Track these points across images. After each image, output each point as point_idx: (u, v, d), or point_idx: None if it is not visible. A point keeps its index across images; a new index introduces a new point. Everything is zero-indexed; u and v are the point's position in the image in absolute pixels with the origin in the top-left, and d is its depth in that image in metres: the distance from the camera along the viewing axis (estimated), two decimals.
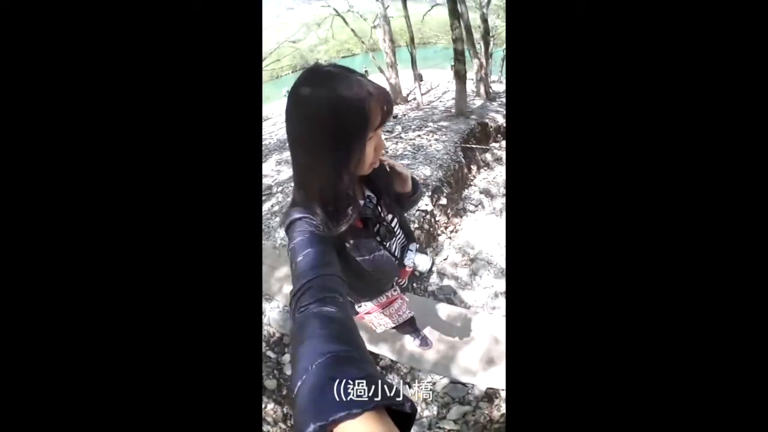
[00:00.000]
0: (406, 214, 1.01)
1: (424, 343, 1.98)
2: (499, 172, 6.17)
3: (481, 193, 5.46)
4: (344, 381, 0.34)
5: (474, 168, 5.72)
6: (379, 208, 0.82)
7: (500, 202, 5.30)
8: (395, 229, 0.90)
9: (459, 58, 5.81)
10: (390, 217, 0.87)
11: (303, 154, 0.61)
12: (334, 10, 8.31)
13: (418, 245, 0.98)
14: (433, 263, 0.96)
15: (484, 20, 8.15)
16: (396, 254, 0.91)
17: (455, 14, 5.59)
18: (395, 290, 1.09)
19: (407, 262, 0.95)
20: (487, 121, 6.86)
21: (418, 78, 11.93)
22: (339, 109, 0.53)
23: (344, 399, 0.32)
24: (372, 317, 1.13)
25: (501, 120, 7.12)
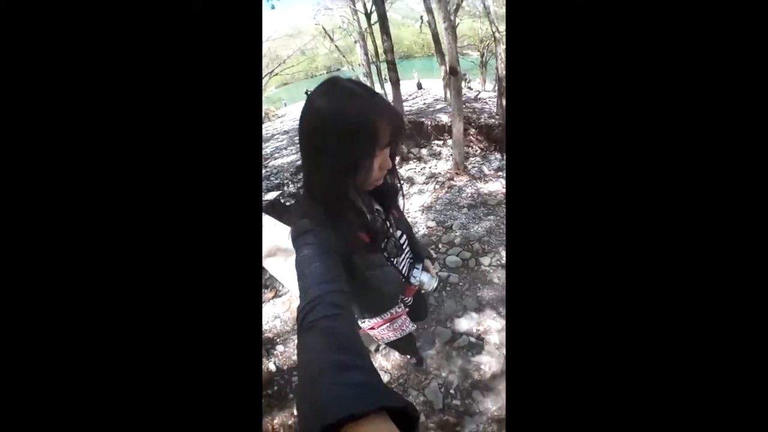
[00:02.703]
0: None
1: (420, 363, 1.93)
2: (433, 165, 7.00)
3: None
4: (347, 385, 0.35)
5: (398, 158, 6.72)
6: (388, 223, 0.82)
7: (417, 188, 6.26)
8: (404, 246, 0.90)
9: (391, 67, 6.89)
10: (399, 233, 0.87)
11: (312, 165, 0.61)
12: (323, 28, 9.69)
13: (423, 264, 1.00)
14: (439, 283, 0.98)
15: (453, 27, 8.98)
16: (404, 272, 0.91)
17: (385, 30, 6.69)
18: (399, 307, 1.07)
19: (413, 280, 0.95)
20: (423, 119, 7.79)
21: (418, 86, 13.00)
22: (348, 127, 0.55)
23: (347, 402, 0.33)
24: (375, 332, 1.12)
25: (446, 119, 7.98)
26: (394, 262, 0.86)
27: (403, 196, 0.87)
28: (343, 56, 10.15)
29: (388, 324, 1.09)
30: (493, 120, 7.84)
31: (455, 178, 4.79)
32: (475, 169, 5.46)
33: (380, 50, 7.75)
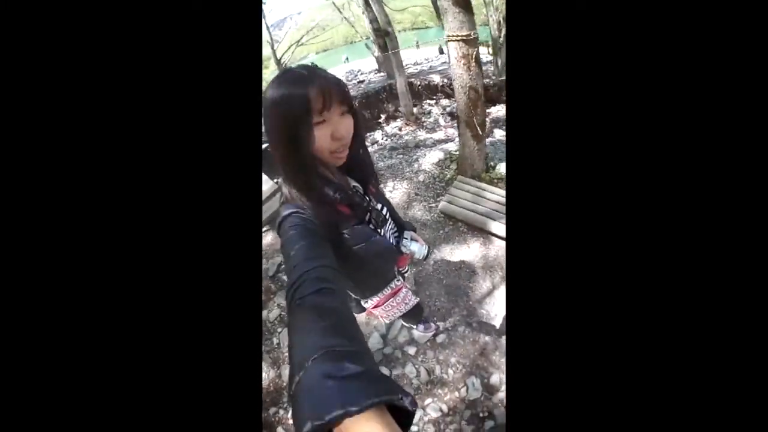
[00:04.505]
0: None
1: (428, 327, 1.96)
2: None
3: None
4: (341, 378, 0.33)
5: (383, 116, 7.41)
6: (367, 197, 0.84)
7: None
8: (386, 217, 0.92)
9: (377, 34, 7.50)
10: (380, 206, 0.89)
11: (273, 150, 0.64)
12: (333, 3, 10.27)
13: (411, 234, 1.03)
14: (429, 251, 1.00)
15: None
16: (392, 242, 0.93)
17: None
18: (398, 280, 1.09)
19: (404, 249, 0.99)
20: (413, 80, 8.31)
21: (440, 51, 13.14)
22: (281, 102, 0.58)
23: (342, 397, 0.31)
24: (380, 310, 1.12)
25: (437, 79, 8.38)
26: (381, 232, 0.86)
27: (377, 177, 0.88)
28: (353, 27, 10.76)
29: (391, 299, 1.10)
30: (487, 80, 8.04)
31: (403, 128, 5.46)
32: (432, 119, 6.00)
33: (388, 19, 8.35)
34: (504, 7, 8.11)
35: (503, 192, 2.96)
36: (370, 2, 4.85)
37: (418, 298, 1.24)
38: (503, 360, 1.85)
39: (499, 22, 8.20)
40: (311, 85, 0.59)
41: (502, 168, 3.39)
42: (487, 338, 1.98)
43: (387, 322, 1.26)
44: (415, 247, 1.01)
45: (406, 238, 1.02)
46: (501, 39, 8.36)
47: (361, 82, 9.19)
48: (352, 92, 8.04)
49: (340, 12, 10.33)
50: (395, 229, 1.01)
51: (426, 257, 1.02)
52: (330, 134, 0.64)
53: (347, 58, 16.33)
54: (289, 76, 0.61)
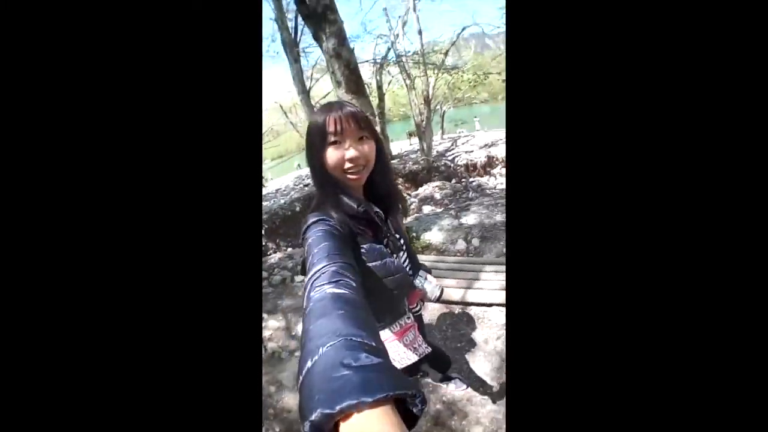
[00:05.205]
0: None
1: (459, 386, 1.81)
2: None
3: None
4: (357, 368, 0.33)
5: None
6: (388, 224, 0.87)
7: None
8: (403, 247, 0.95)
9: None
10: (398, 236, 0.93)
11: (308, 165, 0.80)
12: (280, 106, 11.44)
13: (427, 274, 1.05)
14: (442, 292, 1.02)
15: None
16: (406, 268, 0.94)
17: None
18: (409, 318, 1.05)
19: (418, 283, 1.01)
20: None
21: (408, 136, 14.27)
22: (310, 125, 0.75)
23: (357, 386, 0.30)
24: (388, 348, 0.99)
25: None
26: (395, 258, 0.89)
27: (405, 209, 1.06)
28: (298, 132, 11.46)
29: (400, 338, 1.05)
30: (417, 165, 8.73)
31: None
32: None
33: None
34: (430, 88, 9.20)
35: (427, 257, 3.14)
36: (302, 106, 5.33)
37: (430, 348, 1.13)
38: None
39: (420, 107, 9.21)
40: (329, 113, 0.71)
41: (427, 237, 3.63)
42: (421, 422, 1.67)
43: (399, 367, 1.10)
44: (428, 287, 1.03)
45: (421, 276, 1.05)
46: (424, 123, 9.31)
47: (307, 185, 9.71)
48: (297, 195, 8.34)
49: (287, 116, 11.30)
50: (410, 265, 1.04)
51: (438, 299, 1.04)
52: (343, 155, 0.73)
53: (299, 165, 16.20)
54: (320, 107, 0.77)
